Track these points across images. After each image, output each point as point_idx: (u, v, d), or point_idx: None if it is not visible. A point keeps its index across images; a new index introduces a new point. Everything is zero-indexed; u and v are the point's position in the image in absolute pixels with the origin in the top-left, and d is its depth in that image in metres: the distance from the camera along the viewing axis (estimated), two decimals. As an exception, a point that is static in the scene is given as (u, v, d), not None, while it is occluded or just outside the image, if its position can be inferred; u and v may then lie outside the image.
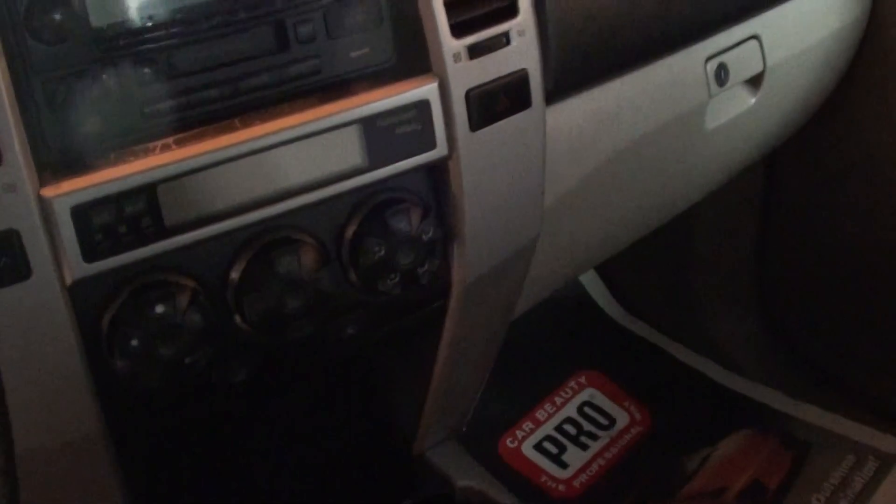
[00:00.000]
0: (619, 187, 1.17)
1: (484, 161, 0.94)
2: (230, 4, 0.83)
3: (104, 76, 0.79)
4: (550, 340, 1.83)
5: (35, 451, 0.86)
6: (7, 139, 0.74)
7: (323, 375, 1.13)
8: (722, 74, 1.19)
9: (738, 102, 1.27)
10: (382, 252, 0.91)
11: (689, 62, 1.15)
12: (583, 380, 1.79)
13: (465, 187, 0.94)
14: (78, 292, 0.80)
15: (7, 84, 0.74)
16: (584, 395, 1.77)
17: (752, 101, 1.28)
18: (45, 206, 0.76)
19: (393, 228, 0.91)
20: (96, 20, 0.78)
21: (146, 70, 0.81)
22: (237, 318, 0.88)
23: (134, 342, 0.82)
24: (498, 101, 0.93)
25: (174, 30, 0.81)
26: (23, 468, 0.85)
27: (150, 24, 0.80)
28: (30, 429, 0.84)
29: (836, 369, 1.68)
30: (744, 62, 1.23)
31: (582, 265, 1.45)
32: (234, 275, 0.87)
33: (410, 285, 0.93)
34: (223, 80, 0.84)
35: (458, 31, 0.90)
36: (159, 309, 0.82)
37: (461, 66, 0.90)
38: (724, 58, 1.20)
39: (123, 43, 0.79)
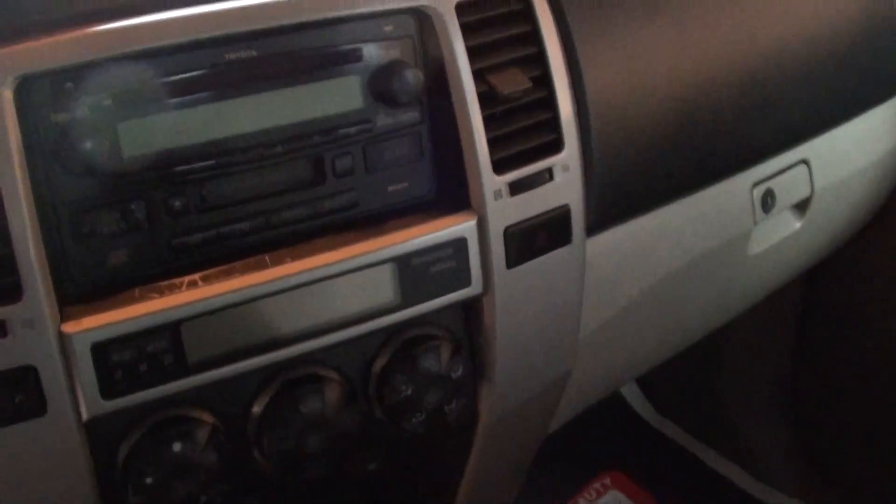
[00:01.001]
0: (657, 313, 1.14)
1: (519, 297, 0.91)
2: (268, 137, 0.80)
3: (133, 208, 0.77)
4: (577, 438, 1.78)
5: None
6: (29, 273, 0.71)
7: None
8: (769, 200, 1.16)
9: (783, 227, 1.23)
10: (409, 391, 0.88)
11: (736, 189, 1.12)
12: (608, 481, 1.75)
13: (497, 324, 0.91)
14: (94, 428, 0.78)
15: (32, 215, 0.72)
16: (608, 498, 1.74)
17: (798, 225, 1.24)
18: (64, 342, 0.74)
19: (421, 366, 0.88)
20: (128, 151, 0.76)
21: (177, 202, 0.78)
22: (256, 454, 0.85)
23: (149, 480, 0.80)
24: (537, 238, 0.91)
25: (208, 162, 0.78)
26: None
27: (183, 155, 0.77)
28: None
29: (866, 489, 1.63)
30: (791, 187, 1.20)
31: (617, 384, 1.42)
32: (256, 409, 0.84)
33: (436, 424, 0.90)
34: (255, 213, 0.81)
35: (500, 166, 0.87)
36: (176, 447, 0.80)
37: (501, 202, 0.87)
38: (772, 183, 1.17)
39: (155, 175, 0.77)
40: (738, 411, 1.75)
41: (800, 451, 1.73)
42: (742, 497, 1.71)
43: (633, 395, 1.89)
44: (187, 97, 0.77)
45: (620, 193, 0.98)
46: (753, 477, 1.71)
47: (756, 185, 1.15)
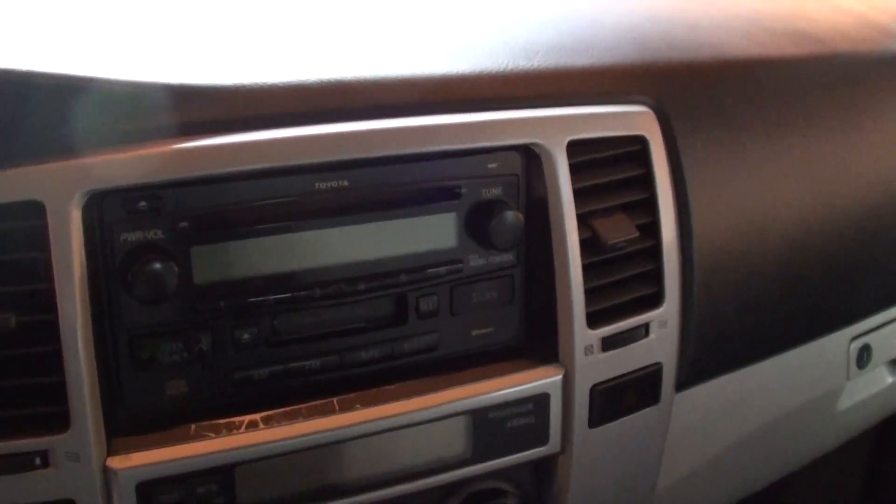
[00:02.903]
0: (736, 467, 1.07)
1: (597, 457, 0.85)
2: (351, 272, 0.74)
3: (199, 337, 0.71)
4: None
5: None
6: (79, 404, 0.66)
7: None
8: (864, 356, 1.09)
9: (875, 382, 1.16)
10: None
11: (833, 345, 1.05)
12: None
13: (572, 484, 0.85)
14: None
15: (88, 343, 0.66)
16: None
17: (890, 380, 1.17)
18: (109, 477, 0.68)
19: None
20: (200, 277, 0.70)
21: (245, 334, 0.72)
22: None
23: None
24: (625, 398, 0.84)
25: (284, 295, 0.72)
26: None
27: (258, 286, 0.71)
28: None
29: None
30: (889, 343, 1.12)
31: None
32: None
33: None
34: (328, 350, 0.75)
35: (594, 319, 0.80)
36: None
37: (591, 358, 0.80)
38: (870, 338, 1.09)
39: (225, 305, 0.71)
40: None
41: None
42: None
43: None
44: (270, 225, 0.71)
45: (717, 351, 0.91)
46: None
47: (854, 339, 1.08)
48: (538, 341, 0.82)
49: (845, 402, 1.13)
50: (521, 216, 0.77)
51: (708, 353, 0.91)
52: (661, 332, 0.84)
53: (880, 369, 1.17)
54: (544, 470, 0.85)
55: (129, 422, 0.71)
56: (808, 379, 1.05)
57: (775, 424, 1.04)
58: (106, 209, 0.67)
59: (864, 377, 1.13)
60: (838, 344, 1.07)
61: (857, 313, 1.04)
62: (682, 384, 0.90)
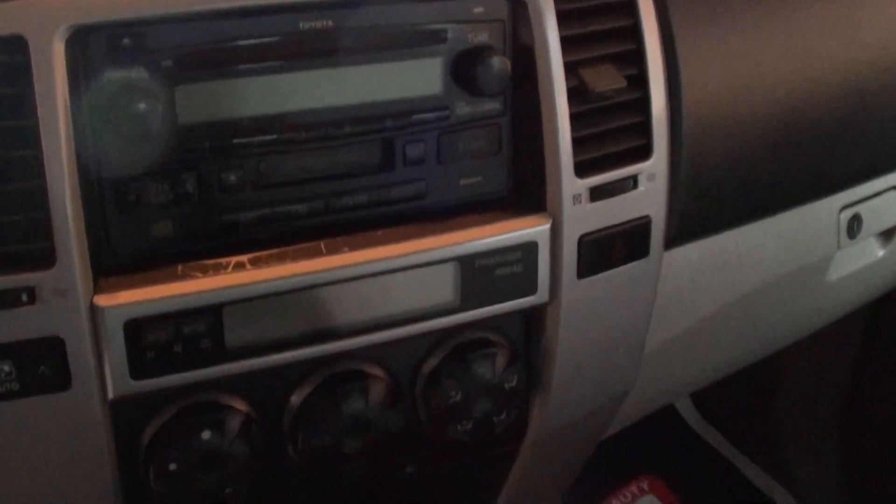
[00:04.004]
0: (726, 333, 1.07)
1: (586, 310, 0.85)
2: (336, 115, 0.74)
3: (184, 178, 0.71)
4: (617, 436, 1.71)
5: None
6: (64, 239, 0.66)
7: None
8: (855, 226, 1.09)
9: (865, 254, 1.16)
10: (458, 397, 0.82)
11: (823, 212, 1.05)
12: (645, 485, 1.69)
13: (560, 336, 0.85)
14: (119, 407, 0.72)
15: (73, 178, 0.66)
16: (644, 502, 1.68)
17: (881, 253, 1.17)
18: (96, 315, 0.68)
19: (474, 373, 0.82)
20: (185, 117, 0.69)
21: (231, 176, 0.72)
22: (289, 449, 0.79)
23: (173, 467, 0.74)
24: (613, 249, 0.84)
25: (270, 136, 0.72)
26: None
27: (243, 127, 0.71)
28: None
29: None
30: (880, 214, 1.12)
31: (674, 399, 1.36)
32: (294, 402, 0.78)
33: (482, 433, 0.84)
34: (315, 195, 0.75)
35: (582, 169, 0.80)
36: (205, 435, 0.74)
37: (579, 208, 0.80)
38: (860, 208, 1.09)
39: (210, 145, 0.70)
40: (787, 431, 1.69)
41: (844, 478, 1.65)
42: (779, 517, 1.64)
43: (680, 400, 1.82)
44: (255, 65, 0.70)
45: (706, 207, 0.91)
46: (794, 498, 1.65)
47: (844, 208, 1.08)
48: (526, 192, 0.81)
49: (836, 273, 1.13)
50: (507, 61, 0.77)
51: (697, 211, 0.90)
52: (649, 186, 0.84)
53: (871, 242, 1.17)
54: (533, 322, 0.85)
55: (115, 263, 0.71)
56: (797, 246, 1.05)
57: (765, 290, 1.04)
58: (90, 46, 0.66)
59: (854, 248, 1.13)
60: (828, 212, 1.06)
61: (846, 180, 1.04)
62: (671, 241, 0.90)
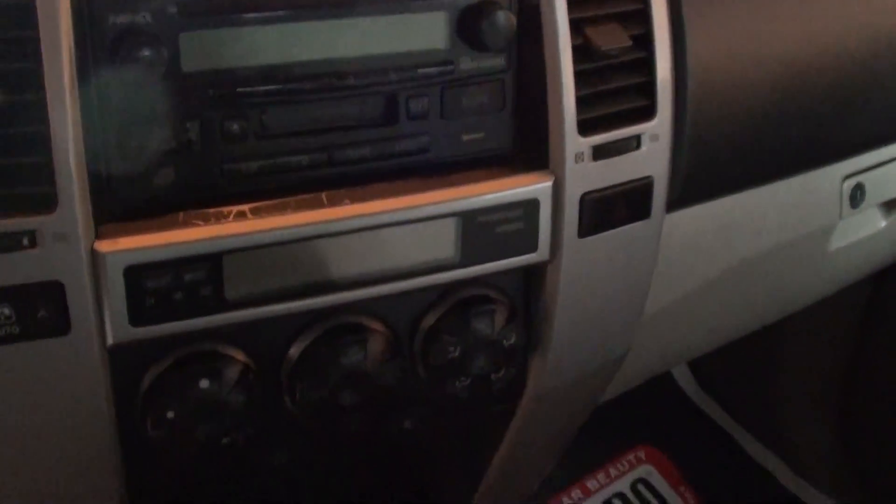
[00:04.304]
0: (726, 299, 1.08)
1: (586, 269, 0.85)
2: (340, 67, 0.74)
3: (187, 126, 0.71)
4: (615, 405, 1.71)
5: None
6: (66, 184, 0.66)
7: (368, 457, 1.04)
8: (858, 195, 1.09)
9: (868, 224, 1.16)
10: (457, 353, 0.82)
11: (826, 180, 1.05)
12: (642, 455, 1.70)
13: (560, 295, 0.85)
14: (118, 354, 0.73)
15: (77, 123, 0.66)
16: (640, 472, 1.68)
17: (884, 224, 1.17)
18: (96, 261, 0.68)
19: (473, 329, 0.82)
20: (189, 64, 0.70)
21: (234, 126, 0.72)
22: (287, 400, 0.79)
23: (170, 414, 0.75)
24: (615, 209, 0.84)
25: (273, 86, 0.72)
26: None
27: (247, 76, 0.71)
28: (48, 482, 0.78)
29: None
30: (883, 184, 1.12)
31: (672, 365, 1.36)
32: (293, 354, 0.79)
33: (480, 390, 0.84)
34: (317, 147, 0.75)
35: (586, 127, 0.80)
36: (203, 384, 0.75)
37: (582, 166, 0.80)
38: (864, 178, 1.09)
39: (214, 94, 0.70)
40: (784, 402, 1.69)
41: (842, 450, 1.66)
42: (776, 488, 1.65)
43: (678, 369, 1.82)
44: (260, 14, 0.70)
45: (708, 171, 0.91)
46: (791, 469, 1.65)
47: (847, 177, 1.08)
48: (529, 149, 0.81)
49: (838, 242, 1.13)
50: (513, 17, 0.76)
51: (699, 173, 0.90)
52: (652, 146, 0.84)
53: (873, 212, 1.17)
54: (533, 280, 0.85)
55: (117, 210, 0.71)
56: (799, 214, 1.05)
57: (766, 257, 1.04)
58: None
59: (856, 218, 1.13)
60: (831, 181, 1.07)
61: (849, 149, 1.04)
62: (673, 203, 0.90)
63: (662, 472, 1.67)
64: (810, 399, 1.67)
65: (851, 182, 1.09)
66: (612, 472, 1.67)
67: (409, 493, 1.12)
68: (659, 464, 1.68)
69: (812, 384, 1.66)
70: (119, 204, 0.71)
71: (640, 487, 1.66)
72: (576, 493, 1.63)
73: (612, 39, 0.80)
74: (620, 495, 1.64)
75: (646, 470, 1.68)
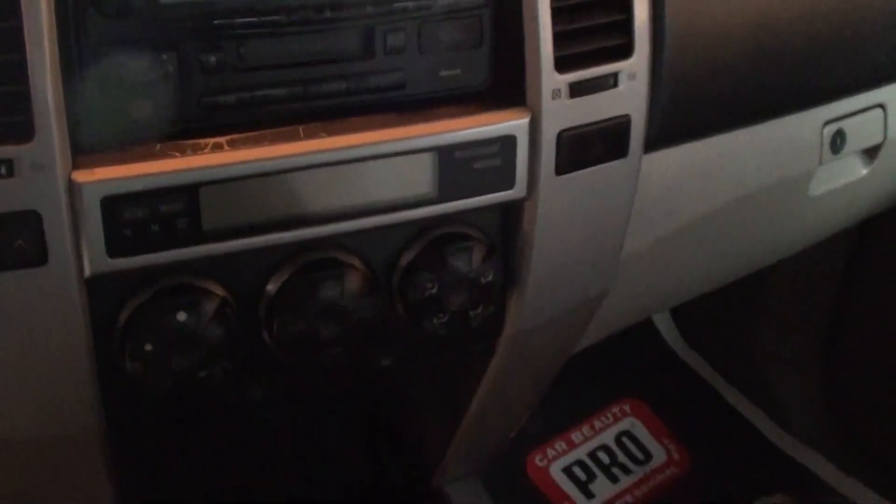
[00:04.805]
0: (706, 244, 1.08)
1: (563, 207, 0.86)
2: (318, 0, 0.73)
3: (164, 57, 0.71)
4: (600, 359, 1.72)
5: (29, 441, 0.80)
6: (43, 113, 0.66)
7: (346, 397, 1.05)
8: (838, 141, 1.09)
9: (848, 171, 1.17)
10: (435, 290, 0.83)
11: (806, 125, 1.05)
12: (626, 408, 1.71)
13: (537, 233, 0.85)
14: (96, 285, 0.73)
15: (54, 53, 0.67)
16: (624, 424, 1.69)
17: (864, 171, 1.18)
18: (73, 191, 0.69)
19: (451, 266, 0.83)
20: (165, -4, 0.70)
21: (212, 58, 0.73)
22: (265, 335, 0.80)
23: (148, 347, 0.75)
24: (592, 147, 0.84)
25: (250, 19, 0.72)
26: (14, 457, 0.80)
27: (225, 9, 0.71)
28: (26, 417, 0.78)
29: (889, 452, 1.58)
30: (864, 131, 1.12)
31: (652, 311, 1.36)
32: (271, 288, 0.79)
33: (458, 327, 0.85)
34: (294, 80, 0.76)
35: (563, 64, 0.80)
36: (181, 316, 0.75)
37: (559, 103, 0.80)
38: (844, 124, 1.09)
39: (192, 26, 0.71)
40: (768, 356, 1.70)
41: (827, 404, 1.67)
42: (761, 442, 1.66)
43: (663, 323, 1.83)
44: None
45: (686, 111, 0.91)
46: (774, 422, 1.66)
47: (828, 123, 1.09)
48: (506, 86, 0.82)
49: (819, 188, 1.14)
50: None
51: (677, 114, 0.91)
52: (630, 85, 0.84)
53: (854, 159, 1.17)
54: (510, 217, 0.86)
55: (94, 141, 0.71)
56: (779, 158, 1.06)
57: (745, 201, 1.05)
58: None
59: (837, 164, 1.13)
60: (811, 126, 1.07)
61: (829, 93, 1.05)
62: (651, 144, 0.90)
63: (647, 425, 1.68)
64: (794, 353, 1.68)
65: (832, 128, 1.10)
66: (597, 424, 1.68)
67: (386, 440, 1.13)
68: (643, 417, 1.69)
69: (796, 338, 1.67)
70: (97, 135, 0.71)
71: (625, 440, 1.67)
72: (560, 445, 1.64)
73: (589, -25, 0.80)
74: (605, 448, 1.65)
75: (630, 423, 1.69)
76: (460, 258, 0.83)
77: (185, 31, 0.71)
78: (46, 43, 0.66)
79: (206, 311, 0.76)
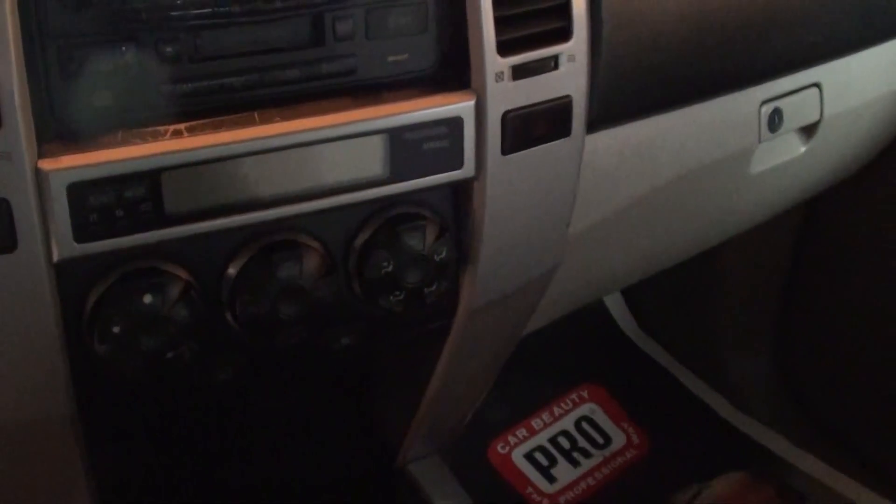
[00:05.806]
0: (651, 222, 1.12)
1: (511, 186, 0.89)
2: None
3: (123, 48, 0.74)
4: (557, 346, 1.77)
5: (1, 426, 0.83)
6: (8, 103, 0.69)
7: (310, 378, 1.08)
8: (776, 120, 1.14)
9: (787, 149, 1.21)
10: (390, 268, 0.86)
11: (744, 104, 1.10)
12: (585, 393, 1.74)
13: (487, 211, 0.89)
14: (64, 270, 0.76)
15: (17, 45, 0.69)
16: (583, 410, 1.72)
17: (803, 149, 1.22)
18: (40, 178, 0.72)
19: (405, 245, 0.86)
20: (123, -12, 0.73)
21: (168, 48, 0.76)
22: (228, 316, 0.83)
23: (116, 329, 0.78)
24: (536, 127, 0.88)
25: (205, 10, 0.75)
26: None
27: (180, 0, 0.74)
28: (-2, 406, 0.80)
29: (843, 426, 1.63)
30: (800, 109, 1.17)
31: (602, 291, 1.40)
32: (232, 271, 0.82)
33: (414, 304, 0.88)
34: (248, 68, 0.79)
35: (504, 48, 0.84)
36: (147, 298, 0.78)
37: (502, 85, 0.84)
38: (781, 103, 1.14)
39: (149, 17, 0.74)
40: (721, 338, 1.74)
41: (779, 383, 1.71)
42: (717, 422, 1.70)
43: (617, 310, 1.87)
44: None
45: (626, 92, 0.95)
46: (730, 403, 1.70)
47: (765, 102, 1.13)
48: (452, 70, 0.85)
49: (759, 166, 1.18)
50: None
51: (617, 95, 0.95)
52: (570, 66, 0.88)
53: (793, 137, 1.21)
54: (461, 197, 0.89)
55: (59, 130, 0.74)
56: (718, 137, 1.10)
57: (687, 179, 1.09)
58: None
59: (776, 142, 1.18)
60: (748, 105, 1.11)
61: (765, 72, 1.09)
62: (593, 124, 0.94)
63: (606, 409, 1.72)
64: (747, 333, 1.72)
65: (769, 107, 1.14)
66: (557, 410, 1.71)
67: (351, 420, 1.16)
68: (602, 402, 1.72)
69: (748, 318, 1.72)
70: (61, 124, 0.74)
71: (585, 425, 1.70)
72: (521, 432, 1.66)
73: (527, -38, 0.84)
74: (565, 433, 1.68)
75: (590, 408, 1.72)
76: (414, 237, 0.86)
77: (143, 23, 0.74)
78: (11, 35, 0.69)
79: (171, 293, 0.79)
